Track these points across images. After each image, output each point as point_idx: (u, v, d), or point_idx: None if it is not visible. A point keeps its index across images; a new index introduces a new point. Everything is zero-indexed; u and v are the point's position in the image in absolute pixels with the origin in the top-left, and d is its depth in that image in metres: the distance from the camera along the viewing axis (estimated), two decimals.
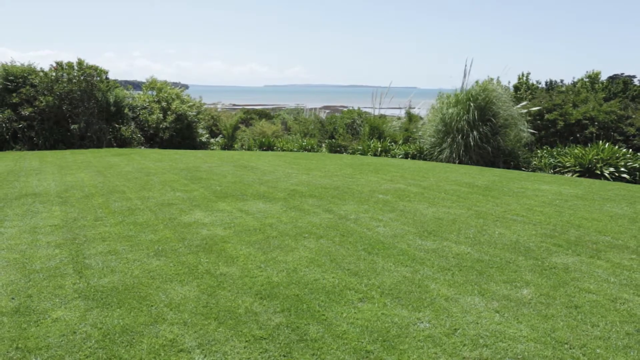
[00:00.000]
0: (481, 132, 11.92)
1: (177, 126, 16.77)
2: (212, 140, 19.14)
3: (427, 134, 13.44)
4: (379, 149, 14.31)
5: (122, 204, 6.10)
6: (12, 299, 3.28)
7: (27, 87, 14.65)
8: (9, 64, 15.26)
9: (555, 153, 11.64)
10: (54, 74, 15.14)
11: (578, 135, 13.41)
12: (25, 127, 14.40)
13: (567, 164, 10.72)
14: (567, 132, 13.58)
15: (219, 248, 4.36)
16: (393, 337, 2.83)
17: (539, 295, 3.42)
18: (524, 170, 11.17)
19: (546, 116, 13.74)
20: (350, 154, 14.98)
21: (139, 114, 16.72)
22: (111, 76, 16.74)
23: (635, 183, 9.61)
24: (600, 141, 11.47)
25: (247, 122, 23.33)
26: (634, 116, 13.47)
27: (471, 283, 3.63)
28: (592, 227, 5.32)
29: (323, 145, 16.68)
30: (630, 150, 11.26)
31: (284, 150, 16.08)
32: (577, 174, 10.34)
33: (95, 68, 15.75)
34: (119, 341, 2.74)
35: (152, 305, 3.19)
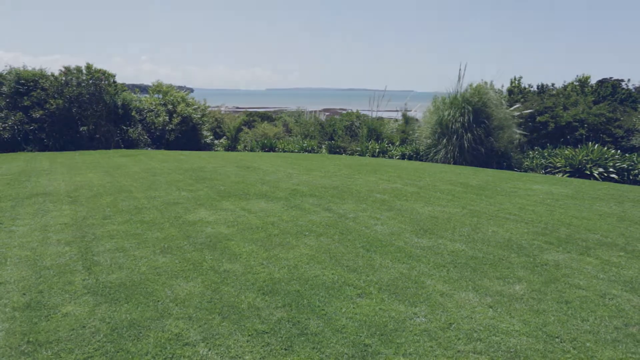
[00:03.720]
0: (475, 133, 12.04)
1: (182, 128, 16.98)
2: (216, 141, 19.30)
3: (423, 135, 13.56)
4: (377, 150, 14.42)
5: (130, 203, 6.19)
6: (24, 294, 3.36)
7: (38, 91, 14.84)
8: (21, 68, 15.45)
9: (546, 154, 11.76)
10: (63, 78, 15.33)
11: (568, 136, 13.56)
12: (36, 129, 14.60)
13: (558, 165, 10.85)
14: (558, 133, 13.73)
15: (223, 245, 4.46)
16: (390, 331, 2.90)
17: (530, 291, 3.50)
18: (516, 171, 11.26)
19: (537, 118, 13.89)
20: (349, 155, 15.08)
21: (146, 116, 16.91)
22: (119, 80, 16.94)
23: (623, 183, 9.72)
24: (590, 142, 11.62)
25: (249, 124, 23.43)
26: (622, 118, 13.64)
27: (465, 279, 3.71)
28: (582, 225, 5.42)
29: (323, 146, 16.78)
30: (619, 151, 11.37)
31: (285, 151, 16.17)
32: (568, 174, 10.46)
33: (104, 72, 15.91)
34: (126, 335, 2.82)
35: (158, 301, 3.27)
